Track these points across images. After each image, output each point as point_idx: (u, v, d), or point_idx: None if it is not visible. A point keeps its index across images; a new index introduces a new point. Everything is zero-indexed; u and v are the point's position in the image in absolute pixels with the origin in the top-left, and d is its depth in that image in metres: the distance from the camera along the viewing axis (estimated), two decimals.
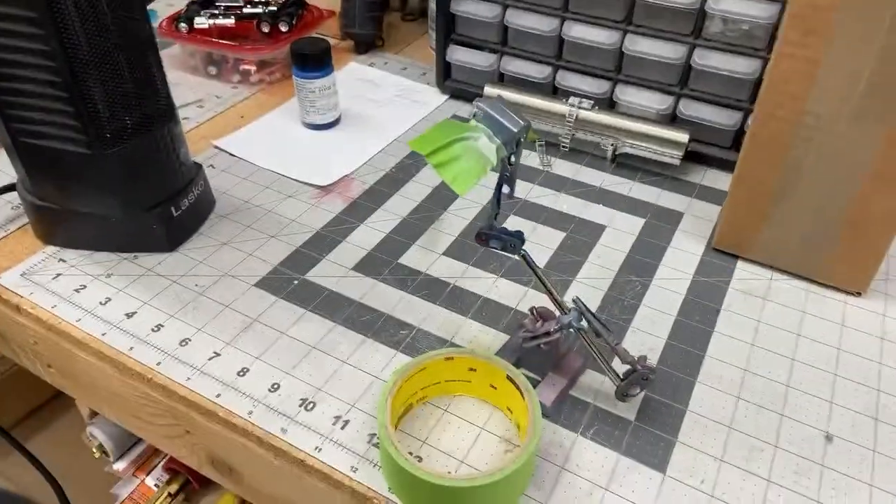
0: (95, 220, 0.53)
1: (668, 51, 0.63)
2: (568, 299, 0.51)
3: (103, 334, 0.48)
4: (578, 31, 0.66)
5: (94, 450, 0.73)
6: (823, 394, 0.45)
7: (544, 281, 0.42)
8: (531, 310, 0.43)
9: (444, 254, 0.56)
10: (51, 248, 0.55)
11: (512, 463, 0.36)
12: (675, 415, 0.43)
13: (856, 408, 0.44)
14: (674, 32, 0.62)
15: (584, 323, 0.41)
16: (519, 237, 0.41)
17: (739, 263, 0.55)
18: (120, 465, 0.73)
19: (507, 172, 0.39)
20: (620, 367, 0.42)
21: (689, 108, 0.64)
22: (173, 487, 0.73)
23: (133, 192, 0.51)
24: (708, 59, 0.61)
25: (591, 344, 0.41)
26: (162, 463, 0.75)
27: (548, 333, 0.42)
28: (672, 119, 0.66)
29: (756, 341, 0.48)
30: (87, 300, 0.50)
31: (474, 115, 0.38)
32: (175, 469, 0.75)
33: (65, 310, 0.50)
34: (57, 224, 0.54)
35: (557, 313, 0.43)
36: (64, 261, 0.54)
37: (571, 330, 0.41)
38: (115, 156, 0.49)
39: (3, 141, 0.50)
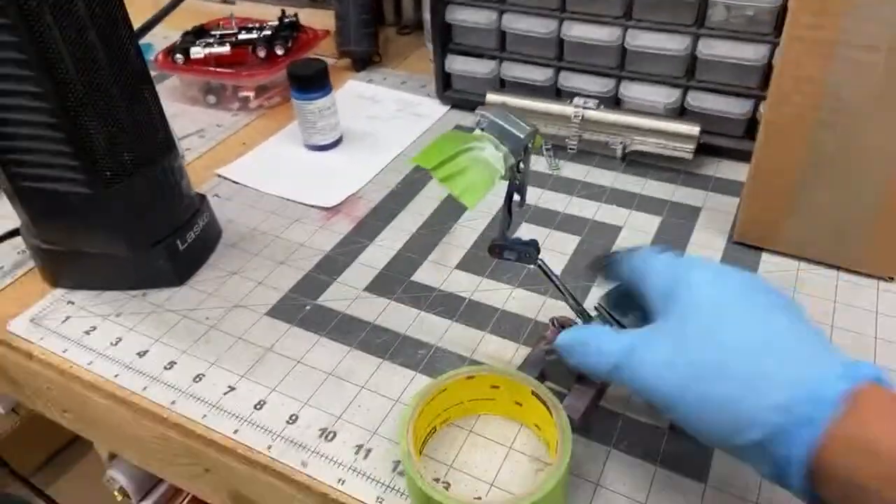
0: (102, 260, 0.52)
1: (671, 43, 0.61)
2: (589, 306, 0.50)
3: (116, 375, 0.47)
4: (578, 31, 0.65)
5: (116, 493, 0.71)
6: None
7: (564, 289, 0.40)
8: (551, 321, 0.41)
9: (457, 267, 0.54)
10: (59, 291, 0.54)
11: (544, 484, 0.34)
12: None
13: None
14: (676, 24, 0.61)
15: None
16: (534, 246, 0.40)
17: (764, 256, 0.53)
18: None
19: (517, 181, 0.38)
20: None
21: (697, 100, 0.63)
22: None
23: (137, 228, 0.51)
24: (713, 49, 0.59)
25: None
26: (185, 502, 0.74)
27: None
28: (681, 112, 0.65)
29: None
30: (98, 342, 0.49)
31: (478, 125, 0.37)
32: None
33: (76, 353, 0.49)
34: (63, 266, 0.53)
35: (580, 322, 0.41)
36: (73, 303, 0.53)
37: None
38: (116, 193, 0.48)
39: (4, 186, 0.49)
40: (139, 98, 0.47)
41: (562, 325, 0.41)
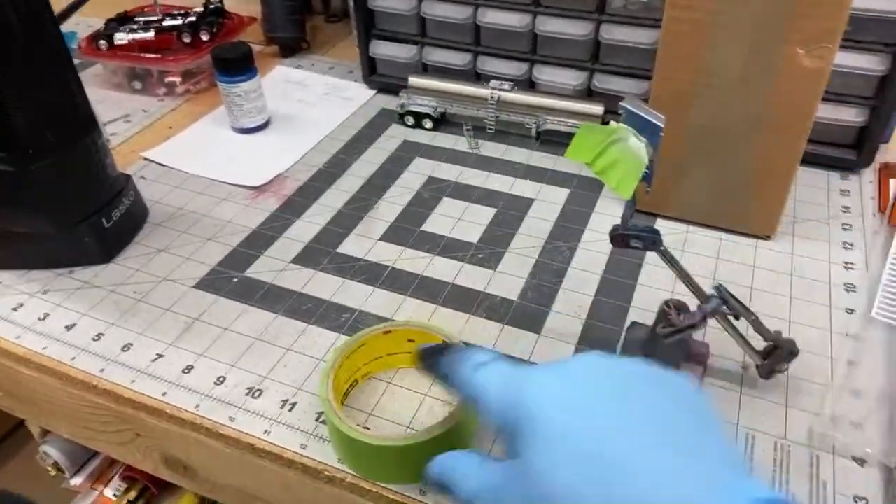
0: (27, 239, 0.52)
1: (576, 28, 0.66)
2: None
3: (44, 348, 0.48)
4: (492, 17, 0.69)
5: (50, 468, 0.72)
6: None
7: (685, 273, 0.41)
8: (667, 303, 0.42)
9: (380, 239, 0.57)
10: None
11: (451, 419, 0.37)
12: None
13: None
14: (580, 10, 0.65)
15: (724, 308, 0.40)
16: (657, 233, 0.40)
17: (659, 221, 0.58)
18: (77, 480, 0.73)
19: (648, 169, 0.38)
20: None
21: (602, 82, 0.68)
22: (132, 495, 0.74)
23: (62, 206, 0.52)
24: (613, 34, 0.64)
25: (733, 328, 0.41)
26: (119, 473, 0.75)
27: (693, 325, 0.40)
28: (588, 93, 0.70)
29: (676, 289, 0.51)
30: (26, 318, 0.50)
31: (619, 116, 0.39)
32: (133, 477, 0.75)
33: (3, 329, 0.49)
34: None
35: (695, 304, 0.42)
36: (0, 282, 0.54)
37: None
38: (39, 171, 0.49)
39: None
40: (60, 76, 0.48)
41: (677, 307, 0.42)
